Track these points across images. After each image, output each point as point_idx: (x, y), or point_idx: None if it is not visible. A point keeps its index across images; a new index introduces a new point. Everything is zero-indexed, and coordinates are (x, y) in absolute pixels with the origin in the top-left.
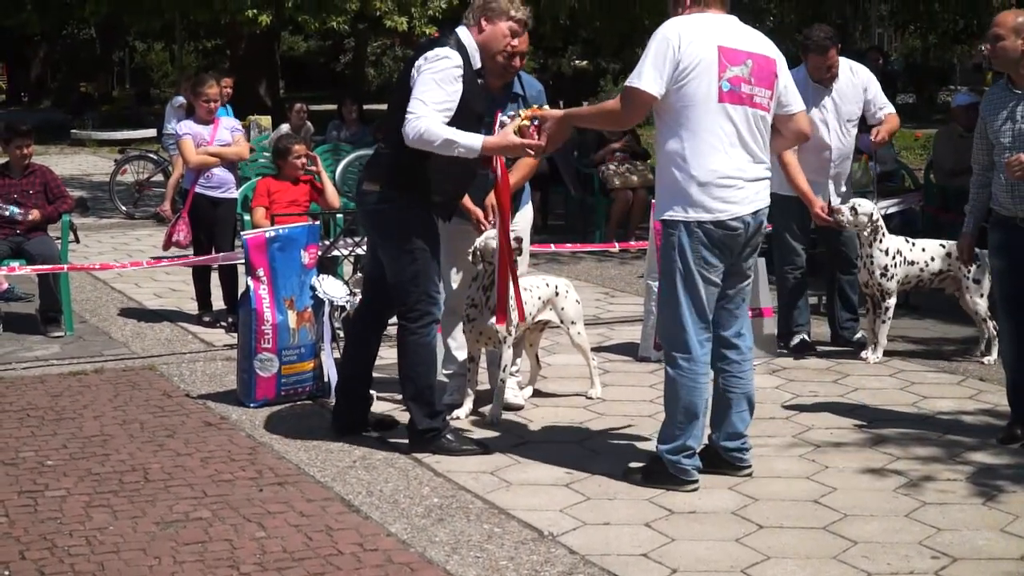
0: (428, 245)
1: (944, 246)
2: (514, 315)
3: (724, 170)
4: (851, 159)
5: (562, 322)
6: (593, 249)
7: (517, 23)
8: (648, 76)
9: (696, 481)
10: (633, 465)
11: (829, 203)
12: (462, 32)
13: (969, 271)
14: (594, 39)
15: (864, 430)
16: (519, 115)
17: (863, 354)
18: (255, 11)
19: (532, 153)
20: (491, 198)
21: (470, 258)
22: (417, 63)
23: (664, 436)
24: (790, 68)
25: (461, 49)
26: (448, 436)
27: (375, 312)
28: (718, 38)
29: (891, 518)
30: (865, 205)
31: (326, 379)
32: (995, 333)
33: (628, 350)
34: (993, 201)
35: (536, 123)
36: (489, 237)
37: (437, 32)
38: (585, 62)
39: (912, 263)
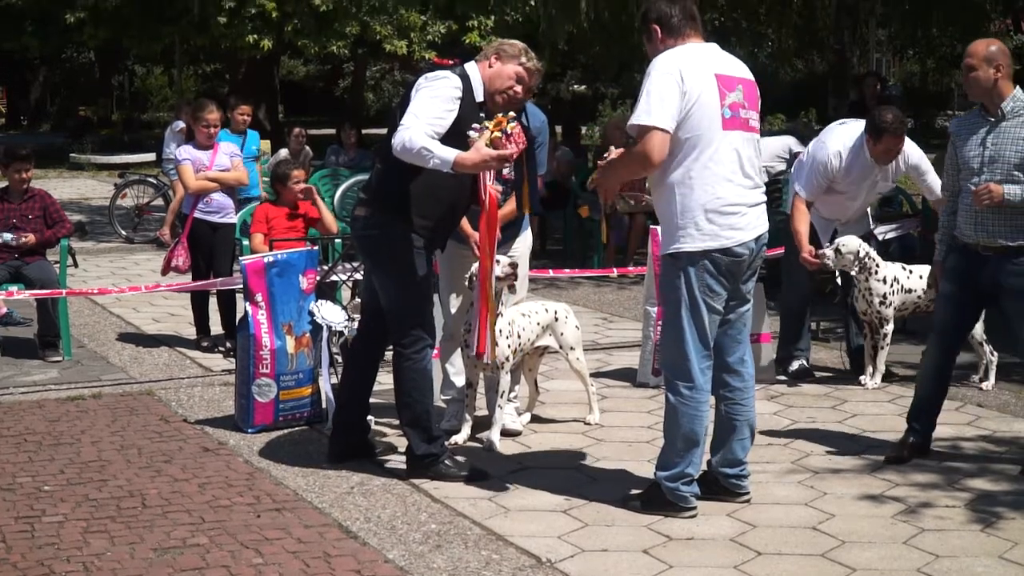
0: (419, 270)
1: None
2: (489, 347)
3: (730, 198)
4: (867, 216)
5: (561, 347)
6: (591, 274)
7: (527, 71)
8: (661, 112)
9: (695, 508)
10: (632, 492)
11: (830, 242)
12: (470, 65)
13: None
14: (592, 64)
15: (862, 456)
16: (486, 127)
17: (861, 379)
18: (256, 36)
19: (508, 164)
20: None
21: (466, 283)
22: (417, 82)
23: (663, 463)
24: (781, 89)
25: (464, 78)
26: (446, 462)
27: (373, 338)
28: (713, 66)
29: (889, 545)
30: (850, 244)
31: (324, 405)
32: (992, 358)
33: (627, 376)
34: (955, 227)
35: (508, 134)
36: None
37: (436, 56)
38: (584, 87)
39: (909, 291)
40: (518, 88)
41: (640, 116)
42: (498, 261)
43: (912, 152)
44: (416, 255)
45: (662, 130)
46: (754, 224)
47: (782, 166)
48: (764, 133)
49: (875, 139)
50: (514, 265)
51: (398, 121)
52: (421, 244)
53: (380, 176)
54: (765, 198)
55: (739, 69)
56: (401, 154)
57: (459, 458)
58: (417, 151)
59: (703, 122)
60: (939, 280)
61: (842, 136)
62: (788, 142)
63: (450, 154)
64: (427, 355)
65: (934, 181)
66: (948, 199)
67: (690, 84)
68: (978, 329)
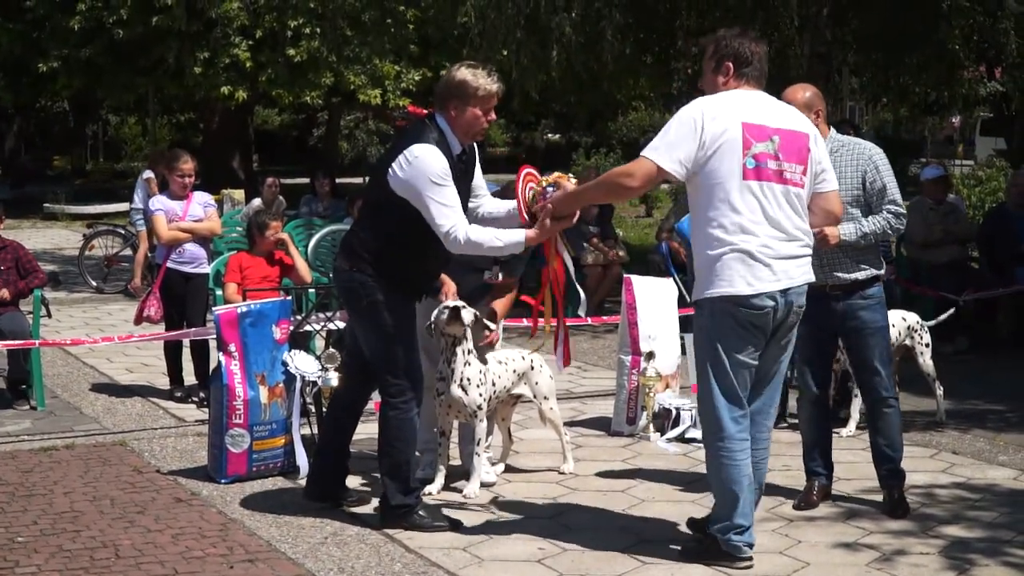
0: (405, 322)
1: (905, 319)
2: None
3: (750, 247)
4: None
5: (535, 396)
6: (566, 323)
7: (488, 98)
8: (663, 152)
9: (750, 558)
10: (690, 540)
11: None
12: (440, 119)
13: (922, 336)
14: (566, 113)
15: (837, 504)
16: (528, 188)
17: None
18: (230, 87)
19: (562, 226)
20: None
21: (426, 331)
22: (401, 164)
23: (714, 515)
24: None
25: (442, 142)
26: (420, 512)
27: (356, 386)
28: (742, 115)
29: None
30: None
31: (297, 455)
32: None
33: (601, 424)
34: None
35: (547, 195)
36: (448, 307)
37: (411, 104)
38: (557, 136)
39: None
40: (491, 117)
41: (647, 149)
42: (464, 307)
43: None
44: (399, 305)
45: (656, 164)
46: (779, 276)
47: None
48: None
49: None
50: (476, 314)
51: (380, 189)
52: (404, 295)
53: (365, 239)
54: (802, 252)
55: (781, 119)
56: (470, 251)
57: (433, 508)
58: (488, 246)
59: (722, 169)
60: None
61: None
62: None
63: (520, 236)
64: (413, 406)
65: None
66: None
67: (710, 132)
68: (931, 366)
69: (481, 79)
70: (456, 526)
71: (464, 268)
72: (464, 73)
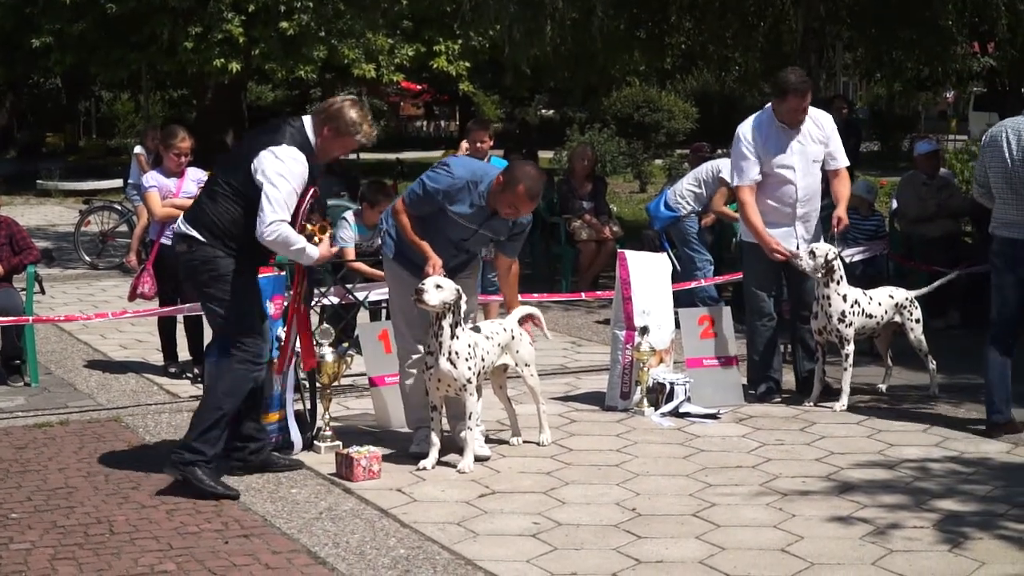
0: (251, 287)
1: (893, 296)
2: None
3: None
4: (819, 198)
5: (516, 364)
6: (560, 298)
7: (353, 144)
8: None
9: None
10: None
11: (797, 247)
12: (308, 126)
13: (912, 312)
14: (560, 88)
15: (831, 478)
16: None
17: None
18: (223, 60)
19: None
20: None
21: (412, 298)
22: (273, 153)
23: None
24: (749, 113)
25: (306, 147)
26: (204, 470)
27: None
28: None
29: (858, 566)
30: (822, 248)
31: (291, 431)
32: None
33: (595, 399)
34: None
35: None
36: (423, 284)
37: (404, 79)
38: (551, 111)
39: (870, 315)
40: (341, 155)
41: None
42: (439, 285)
43: (827, 122)
44: (243, 274)
45: None
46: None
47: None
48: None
49: (781, 99)
50: (459, 290)
51: (242, 172)
52: (236, 267)
53: (212, 213)
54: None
55: None
56: (275, 246)
57: (214, 472)
58: (296, 249)
59: None
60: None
61: (749, 118)
62: (716, 165)
63: (315, 252)
64: (251, 369)
65: (839, 156)
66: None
67: None
68: (925, 341)
69: (364, 127)
70: (233, 495)
71: (449, 245)
72: (353, 114)
